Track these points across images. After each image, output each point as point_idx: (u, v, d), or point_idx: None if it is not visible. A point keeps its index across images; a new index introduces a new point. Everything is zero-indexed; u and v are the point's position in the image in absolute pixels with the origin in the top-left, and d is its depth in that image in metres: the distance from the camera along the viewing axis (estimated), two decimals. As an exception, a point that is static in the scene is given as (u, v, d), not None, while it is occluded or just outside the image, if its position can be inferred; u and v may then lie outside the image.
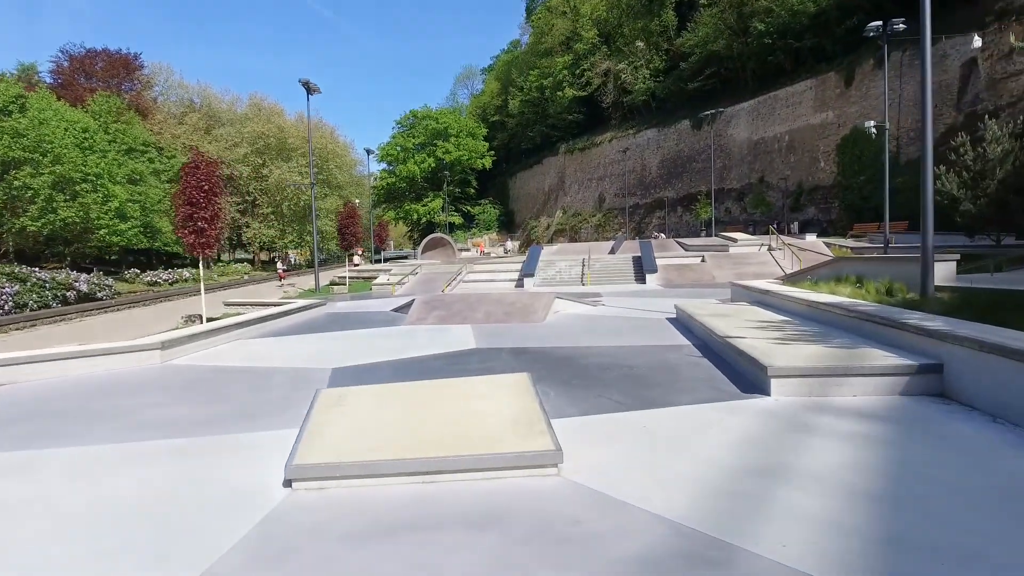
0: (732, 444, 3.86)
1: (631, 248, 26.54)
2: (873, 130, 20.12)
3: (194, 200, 11.26)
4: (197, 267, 47.42)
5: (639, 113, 56.49)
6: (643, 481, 3.31)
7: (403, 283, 22.99)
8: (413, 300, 12.80)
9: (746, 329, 7.00)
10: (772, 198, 40.27)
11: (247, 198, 53.24)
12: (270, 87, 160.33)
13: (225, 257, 61.86)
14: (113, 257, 40.07)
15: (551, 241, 53.08)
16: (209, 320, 11.78)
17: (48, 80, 47.48)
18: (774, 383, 4.94)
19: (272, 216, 53.64)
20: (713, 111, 40.52)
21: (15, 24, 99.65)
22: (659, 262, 21.58)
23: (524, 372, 5.46)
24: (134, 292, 30.47)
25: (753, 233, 33.48)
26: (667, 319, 10.02)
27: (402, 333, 9.93)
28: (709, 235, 35.76)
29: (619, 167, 56.54)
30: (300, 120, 53.99)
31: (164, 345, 7.86)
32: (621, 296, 15.58)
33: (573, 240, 52.91)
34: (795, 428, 4.15)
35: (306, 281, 32.46)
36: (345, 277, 26.04)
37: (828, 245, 22.19)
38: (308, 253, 54.59)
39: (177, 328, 14.44)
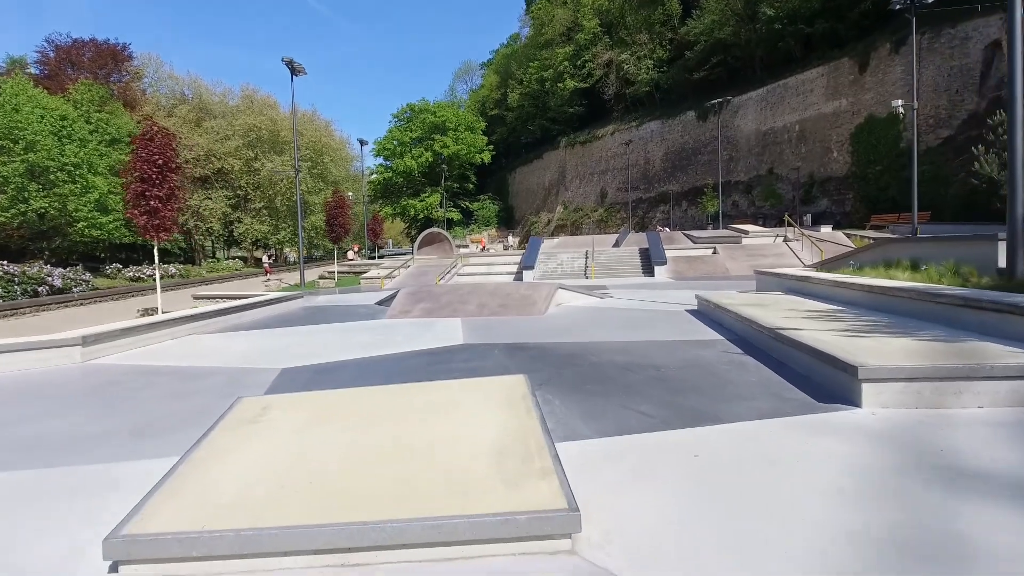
0: (841, 488, 2.48)
1: (637, 241, 25.13)
2: (900, 110, 18.70)
3: (147, 176, 9.84)
4: (191, 263, 46.31)
5: (642, 105, 54.86)
6: (720, 566, 1.92)
7: (393, 276, 21.62)
8: (398, 292, 11.43)
9: (796, 320, 5.63)
10: (782, 190, 38.78)
11: (239, 192, 51.64)
12: (268, 85, 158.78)
13: (220, 255, 60.47)
14: (101, 254, 38.61)
15: (552, 236, 51.53)
16: (165, 314, 10.39)
17: (35, 71, 45.92)
18: (867, 389, 3.55)
19: (265, 211, 52.05)
20: (720, 101, 38.85)
21: (15, 24, 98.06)
22: (668, 254, 20.24)
23: (520, 374, 4.09)
24: (114, 287, 29.01)
25: (764, 226, 32.01)
26: (687, 311, 8.67)
27: (380, 327, 8.56)
28: (716, 228, 34.28)
29: (621, 160, 54.99)
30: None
31: (85, 341, 6.48)
32: (630, 288, 14.23)
33: (574, 235, 51.36)
34: (927, 460, 2.76)
35: (294, 276, 31.03)
36: (334, 272, 24.65)
37: (849, 236, 20.79)
38: (305, 250, 52.99)
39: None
